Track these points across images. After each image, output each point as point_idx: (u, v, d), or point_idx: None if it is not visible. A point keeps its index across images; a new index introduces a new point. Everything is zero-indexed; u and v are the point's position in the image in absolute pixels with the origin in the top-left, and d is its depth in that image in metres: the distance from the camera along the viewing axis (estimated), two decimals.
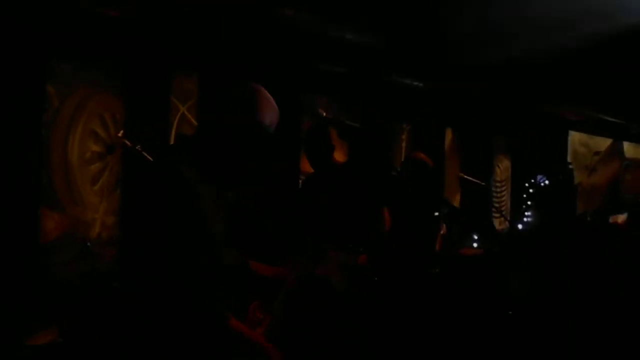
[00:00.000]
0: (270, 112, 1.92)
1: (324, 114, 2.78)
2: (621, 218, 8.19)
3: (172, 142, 4.40)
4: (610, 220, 8.36)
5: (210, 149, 1.86)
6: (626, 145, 9.93)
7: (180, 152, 1.87)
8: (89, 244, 3.59)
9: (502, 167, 7.70)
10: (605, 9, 4.30)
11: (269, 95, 1.95)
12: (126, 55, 4.07)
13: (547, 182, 7.52)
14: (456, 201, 6.70)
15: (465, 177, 4.96)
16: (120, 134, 3.49)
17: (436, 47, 5.02)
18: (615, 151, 9.77)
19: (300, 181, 4.99)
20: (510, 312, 4.57)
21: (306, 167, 4.25)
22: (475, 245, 5.49)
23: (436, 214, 4.22)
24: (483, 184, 5.29)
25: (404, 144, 6.32)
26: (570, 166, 8.46)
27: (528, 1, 4.17)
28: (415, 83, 5.82)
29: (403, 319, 3.72)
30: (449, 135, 6.91)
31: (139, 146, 3.15)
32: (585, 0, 4.12)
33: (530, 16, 4.37)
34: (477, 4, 4.24)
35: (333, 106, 5.16)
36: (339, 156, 3.59)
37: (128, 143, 3.19)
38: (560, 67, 5.72)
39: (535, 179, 7.52)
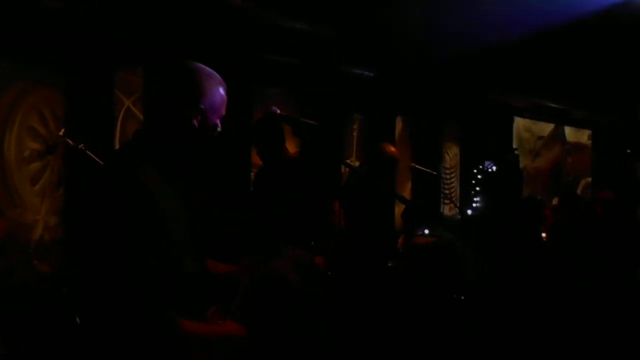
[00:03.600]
0: (216, 93, 1.74)
1: (278, 111, 2.71)
2: (556, 200, 8.50)
3: (117, 137, 4.24)
4: (554, 202, 8.66)
5: (159, 145, 1.72)
6: (567, 130, 10.27)
7: (132, 151, 1.72)
8: (32, 247, 3.42)
9: (451, 154, 7.82)
10: (547, 6, 4.44)
11: (213, 73, 1.76)
12: (66, 48, 3.87)
13: (494, 167, 7.70)
14: (407, 190, 6.75)
15: (417, 166, 4.99)
16: (61, 133, 3.33)
17: (386, 37, 5.02)
18: (557, 136, 10.08)
19: (253, 175, 4.91)
20: (463, 298, 4.66)
21: (257, 160, 4.17)
22: (427, 232, 5.57)
23: (392, 206, 4.23)
24: (435, 173, 5.34)
25: (355, 134, 6.31)
26: (516, 151, 8.70)
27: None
28: (366, 73, 5.82)
29: (362, 312, 3.72)
30: (399, 124, 6.95)
31: (82, 145, 3.01)
32: None
33: (477, 11, 4.43)
34: None
35: (287, 102, 5.11)
36: (290, 148, 3.54)
37: (70, 142, 3.04)
38: (505, 57, 5.85)
39: (483, 165, 7.67)
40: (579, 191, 10.09)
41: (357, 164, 5.84)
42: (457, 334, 4.11)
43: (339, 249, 3.45)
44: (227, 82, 1.79)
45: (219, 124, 1.79)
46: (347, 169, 4.73)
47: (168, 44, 4.23)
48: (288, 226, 3.15)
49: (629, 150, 11.41)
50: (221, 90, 1.76)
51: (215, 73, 1.77)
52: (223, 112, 1.78)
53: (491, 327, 4.19)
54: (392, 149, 4.09)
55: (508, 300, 4.43)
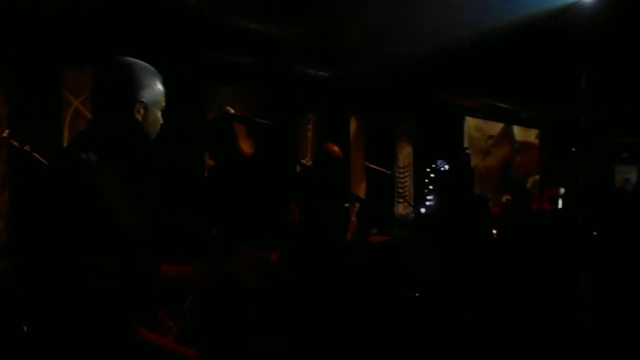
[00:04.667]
0: (155, 86, 1.74)
1: (232, 111, 2.69)
2: (505, 197, 8.73)
3: (65, 138, 4.12)
4: (504, 199, 8.89)
5: (105, 141, 1.69)
6: (516, 129, 10.56)
7: (78, 150, 1.66)
8: None
9: (405, 154, 7.92)
10: (498, 8, 4.56)
11: (149, 66, 1.75)
12: (10, 47, 3.74)
13: (446, 166, 7.85)
14: (362, 189, 6.81)
15: (371, 166, 5.03)
16: (5, 134, 3.20)
17: (340, 37, 5.05)
18: (506, 135, 10.34)
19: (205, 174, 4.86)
20: (417, 295, 4.73)
21: (210, 160, 4.13)
22: (381, 232, 5.63)
23: (346, 205, 4.24)
24: (389, 172, 5.40)
25: (309, 134, 6.33)
26: (467, 150, 8.89)
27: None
28: (320, 73, 5.84)
29: (319, 311, 3.73)
30: (353, 124, 7.00)
31: (27, 146, 2.90)
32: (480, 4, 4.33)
33: (430, 13, 4.51)
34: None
35: (241, 102, 5.07)
36: (245, 147, 3.51)
37: (15, 143, 2.93)
38: (457, 58, 5.97)
39: (435, 164, 7.81)
40: (527, 187, 10.37)
41: (310, 163, 5.86)
42: (413, 331, 4.17)
43: (294, 247, 3.45)
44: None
45: (161, 117, 1.79)
46: (301, 169, 4.74)
47: (119, 42, 4.13)
48: (243, 226, 3.13)
49: (573, 149, 11.83)
50: (159, 83, 1.77)
51: (151, 66, 1.77)
52: (163, 104, 1.78)
53: (446, 323, 4.26)
54: (336, 148, 4.10)
55: (460, 296, 4.52)
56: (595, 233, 5.63)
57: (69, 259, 1.54)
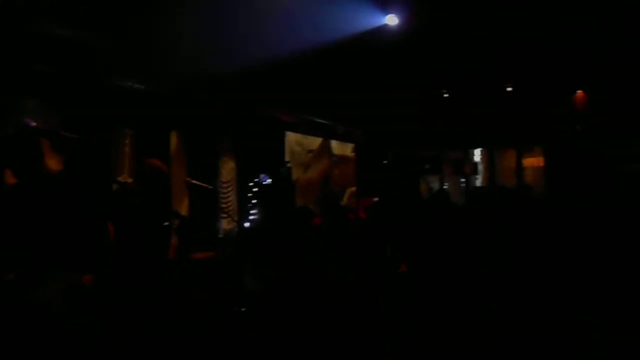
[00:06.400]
0: None
1: (34, 124, 2.47)
2: None
3: None
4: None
5: None
6: (334, 144, 11.10)
7: None
8: None
9: (227, 169, 7.90)
10: (315, 27, 4.78)
11: None
12: None
13: (269, 180, 8.00)
14: (184, 206, 6.65)
15: (193, 181, 4.95)
16: None
17: (159, 49, 4.91)
18: (325, 149, 10.82)
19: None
20: (243, 309, 4.73)
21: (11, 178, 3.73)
22: (205, 248, 5.55)
23: (166, 223, 4.11)
24: (211, 187, 5.35)
25: (127, 150, 6.02)
26: (289, 164, 9.15)
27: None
28: (137, 86, 5.61)
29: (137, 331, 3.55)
30: (173, 139, 6.82)
31: None
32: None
33: (251, 28, 4.58)
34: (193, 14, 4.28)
35: (47, 115, 4.65)
36: (51, 164, 3.25)
37: None
38: (277, 74, 6.15)
39: (258, 178, 7.91)
40: (345, 199, 10.94)
41: (129, 180, 5.58)
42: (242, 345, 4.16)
43: (110, 267, 3.26)
44: None
45: None
46: (118, 186, 4.50)
47: None
48: (53, 248, 2.89)
49: (385, 162, 12.78)
50: None
51: None
52: None
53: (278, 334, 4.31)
54: (159, 163, 3.97)
55: (288, 307, 4.61)
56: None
57: None
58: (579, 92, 11.68)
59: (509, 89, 11.44)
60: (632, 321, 4.16)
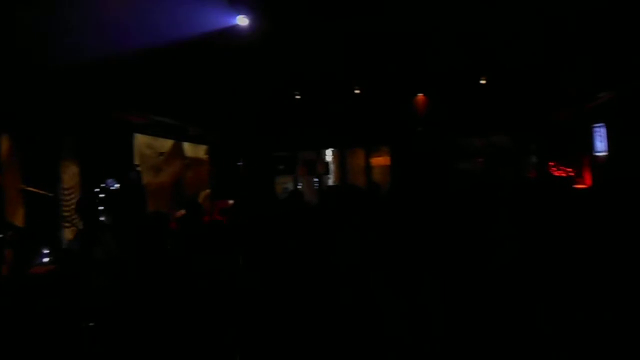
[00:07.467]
0: None
1: None
2: (181, 212, 8.90)
3: None
4: (178, 214, 8.99)
5: None
6: (186, 146, 10.81)
7: None
8: None
9: (70, 174, 7.33)
10: (164, 25, 4.59)
11: None
12: None
13: (117, 185, 7.55)
14: (19, 216, 6.04)
15: (28, 189, 4.51)
16: None
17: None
18: (177, 151, 10.51)
19: None
20: (92, 324, 4.44)
21: None
22: (46, 261, 5.10)
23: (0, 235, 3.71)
24: (51, 195, 4.92)
25: None
26: (138, 168, 8.72)
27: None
28: None
29: None
30: (4, 143, 6.16)
31: None
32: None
33: (96, 23, 4.28)
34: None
35: None
36: None
37: None
38: (125, 76, 5.81)
39: (105, 183, 7.44)
40: (199, 201, 10.70)
41: None
42: None
43: None
44: None
45: None
46: None
47: None
48: None
49: (239, 163, 12.71)
50: None
51: None
52: None
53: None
54: None
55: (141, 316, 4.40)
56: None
57: None
58: (420, 95, 12.54)
59: (357, 91, 11.95)
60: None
